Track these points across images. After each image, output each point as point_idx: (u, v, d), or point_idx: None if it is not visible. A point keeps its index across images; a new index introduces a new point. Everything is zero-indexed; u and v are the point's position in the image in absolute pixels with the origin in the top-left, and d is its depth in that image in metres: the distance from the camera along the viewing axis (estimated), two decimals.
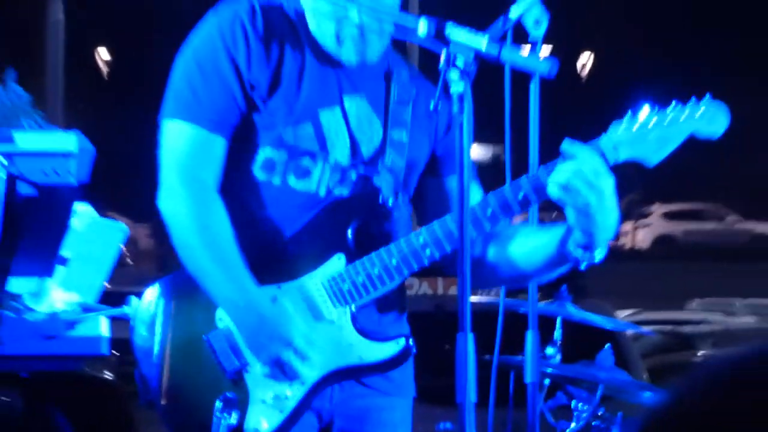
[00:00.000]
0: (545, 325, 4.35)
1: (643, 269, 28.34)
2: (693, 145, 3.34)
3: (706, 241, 35.77)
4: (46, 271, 3.31)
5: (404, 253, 3.35)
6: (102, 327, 3.37)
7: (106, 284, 3.54)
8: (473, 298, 2.95)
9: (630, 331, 7.88)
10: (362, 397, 3.48)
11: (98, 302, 3.42)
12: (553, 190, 3.18)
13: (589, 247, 3.23)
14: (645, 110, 3.28)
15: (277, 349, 3.31)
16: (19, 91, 6.54)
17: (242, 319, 3.35)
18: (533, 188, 3.26)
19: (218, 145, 3.36)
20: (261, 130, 3.38)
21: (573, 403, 4.89)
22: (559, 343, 4.80)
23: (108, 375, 7.88)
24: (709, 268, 28.38)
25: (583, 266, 3.29)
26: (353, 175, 3.45)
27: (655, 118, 3.28)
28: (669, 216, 37.50)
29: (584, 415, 4.82)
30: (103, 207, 3.61)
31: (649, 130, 3.28)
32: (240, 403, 3.34)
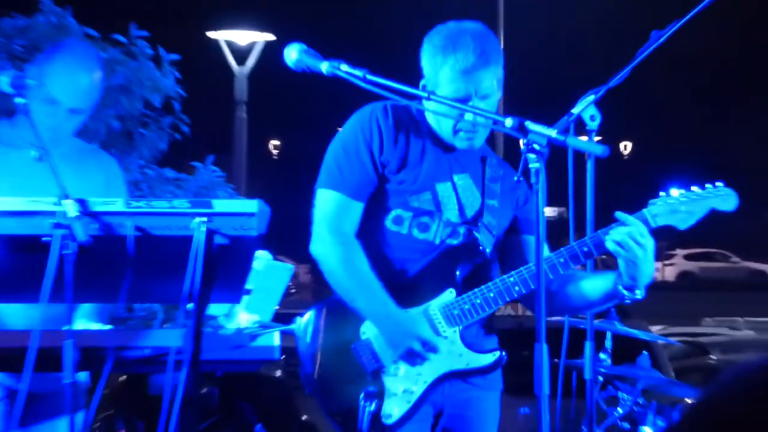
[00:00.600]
0: (599, 337, 4.50)
1: (670, 296, 28.28)
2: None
3: (716, 275, 38.12)
4: (235, 299, 3.31)
5: (500, 288, 3.41)
6: (275, 339, 3.32)
7: (278, 308, 3.59)
8: (548, 318, 2.95)
9: (661, 341, 7.77)
10: (466, 391, 3.49)
11: (272, 321, 3.45)
12: (611, 245, 3.28)
13: (632, 288, 3.34)
14: (675, 191, 3.40)
15: (410, 342, 3.35)
16: (217, 170, 6.63)
17: (383, 325, 3.39)
18: (594, 244, 3.35)
19: (356, 207, 3.44)
20: (392, 196, 3.45)
21: (619, 394, 4.86)
22: (609, 350, 4.79)
23: (278, 373, 7.92)
24: (718, 295, 29.56)
25: (627, 302, 3.39)
26: (461, 230, 3.49)
27: (683, 197, 3.40)
28: (688, 257, 40.28)
29: (628, 403, 4.79)
30: (275, 252, 3.64)
31: (680, 205, 3.39)
32: (378, 395, 3.38)
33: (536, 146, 2.95)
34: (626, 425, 4.85)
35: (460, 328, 3.44)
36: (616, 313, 4.86)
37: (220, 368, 3.52)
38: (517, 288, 3.39)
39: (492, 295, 3.41)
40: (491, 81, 3.42)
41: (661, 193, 3.39)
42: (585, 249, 3.36)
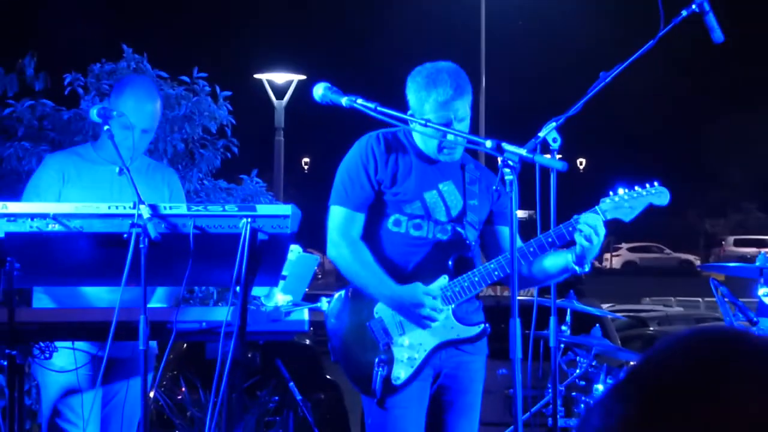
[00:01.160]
0: (561, 313, 4.49)
1: (617, 280, 28.77)
2: (647, 209, 3.44)
3: (653, 264, 38.34)
4: (274, 283, 3.30)
5: (483, 274, 3.39)
6: (305, 314, 3.32)
7: (307, 290, 3.55)
8: (519, 297, 2.99)
9: (609, 316, 7.73)
10: (458, 356, 3.45)
11: (302, 300, 3.41)
12: (578, 234, 3.26)
13: (582, 264, 3.33)
14: (620, 190, 3.37)
15: (417, 308, 3.33)
16: (259, 182, 6.68)
17: (393, 302, 3.36)
18: (557, 236, 3.32)
19: (359, 217, 3.42)
20: (390, 205, 3.43)
21: (577, 359, 4.84)
22: (569, 323, 4.76)
23: (307, 342, 7.87)
24: (655, 280, 29.83)
25: (578, 273, 3.38)
26: (449, 227, 3.45)
27: (626, 195, 3.37)
28: (631, 249, 40.47)
29: (584, 366, 4.77)
30: (305, 245, 3.61)
31: (624, 202, 3.36)
32: (388, 362, 3.36)
33: (510, 162, 2.97)
34: (582, 383, 4.84)
35: (453, 306, 3.39)
36: (574, 294, 4.84)
37: (261, 338, 3.51)
38: (496, 273, 3.37)
39: (477, 279, 3.38)
40: (465, 107, 3.40)
41: (611, 192, 3.36)
42: (550, 240, 3.33)
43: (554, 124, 3.24)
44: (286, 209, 3.08)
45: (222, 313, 3.12)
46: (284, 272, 3.28)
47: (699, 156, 46.21)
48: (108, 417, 3.70)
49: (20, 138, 6.03)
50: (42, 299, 3.67)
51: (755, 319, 4.36)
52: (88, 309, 3.45)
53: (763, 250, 4.82)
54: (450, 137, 3.37)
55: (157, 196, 3.65)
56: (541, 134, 3.21)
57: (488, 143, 3.03)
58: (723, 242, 39.46)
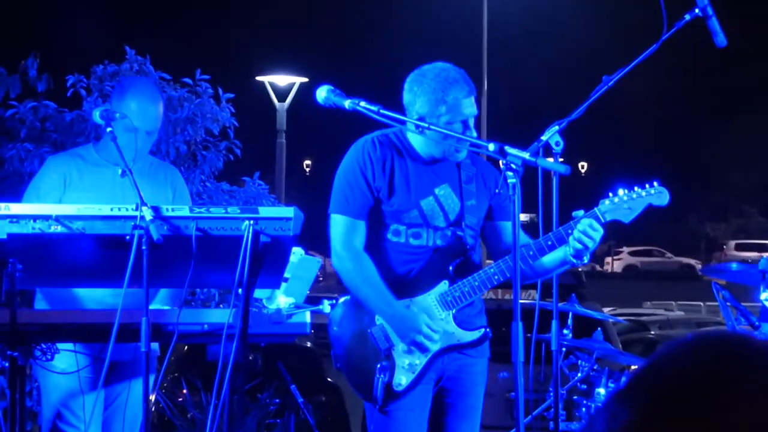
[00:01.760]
0: (563, 317, 4.48)
1: (618, 284, 28.73)
2: (647, 213, 3.41)
3: (654, 268, 38.19)
4: (276, 285, 3.29)
5: (483, 278, 3.35)
6: (306, 317, 3.30)
7: (309, 293, 3.49)
8: (521, 301, 2.97)
9: (611, 320, 7.72)
10: (460, 359, 3.43)
11: (304, 303, 3.38)
12: (576, 234, 3.25)
13: (580, 258, 3.32)
14: (620, 191, 3.34)
15: (413, 334, 3.32)
16: (262, 184, 6.69)
17: (391, 320, 3.35)
18: (556, 239, 3.30)
19: (361, 225, 3.38)
20: (388, 215, 3.40)
21: (579, 362, 4.82)
22: (570, 327, 4.75)
23: (309, 344, 7.85)
24: (656, 284, 29.70)
25: (576, 265, 3.38)
26: (448, 233, 3.42)
27: (626, 196, 3.34)
28: (632, 253, 40.47)
29: (585, 369, 4.76)
30: (307, 248, 3.60)
31: (623, 203, 3.33)
32: (390, 368, 3.35)
33: (513, 166, 2.96)
34: (584, 387, 4.83)
35: (453, 311, 3.37)
36: (576, 298, 4.83)
37: (263, 340, 3.47)
38: (496, 277, 3.34)
39: (477, 283, 3.35)
40: (474, 104, 3.40)
41: (610, 194, 3.33)
42: (549, 243, 3.31)
43: (557, 127, 3.24)
44: (288, 212, 3.07)
45: (224, 316, 3.12)
46: (286, 274, 3.27)
47: (701, 160, 46.31)
48: (109, 419, 3.70)
49: (23, 139, 6.04)
50: (41, 305, 3.67)
51: (757, 323, 4.35)
52: (90, 311, 3.44)
53: (764, 254, 4.80)
54: (451, 142, 3.33)
55: (161, 196, 3.64)
56: (543, 138, 3.21)
57: (491, 146, 3.04)
58: (724, 246, 39.48)
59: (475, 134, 3.38)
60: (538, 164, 3.00)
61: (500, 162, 3.00)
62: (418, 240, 3.40)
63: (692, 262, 39.13)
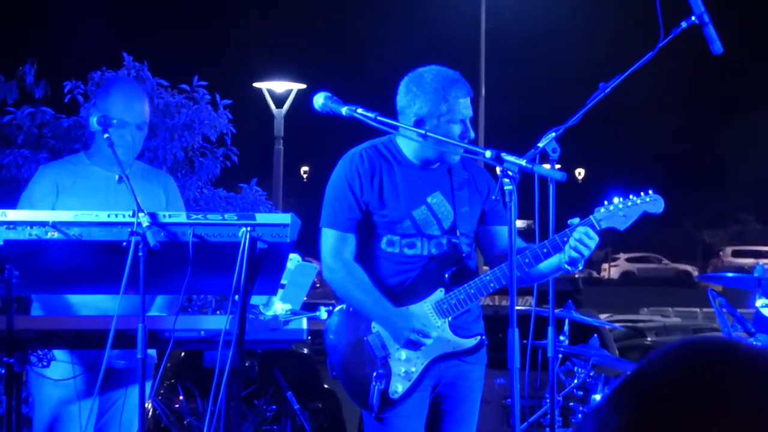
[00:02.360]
0: (559, 323, 4.48)
1: (614, 290, 28.76)
2: (644, 219, 3.43)
3: (651, 274, 38.27)
4: (273, 291, 3.28)
5: (479, 286, 3.37)
6: (303, 323, 3.30)
7: (305, 299, 3.49)
8: (517, 307, 2.99)
9: (607, 327, 7.71)
10: (457, 366, 3.44)
11: (301, 309, 3.38)
12: (572, 242, 3.27)
13: (575, 265, 3.33)
14: (615, 199, 3.36)
15: (408, 333, 3.32)
16: (259, 191, 6.69)
17: (386, 324, 3.36)
18: (552, 246, 3.32)
19: (350, 238, 3.40)
20: (380, 226, 3.42)
21: (575, 368, 4.82)
22: (567, 333, 4.74)
23: (305, 350, 7.88)
24: (653, 290, 29.85)
25: (570, 272, 3.39)
26: (443, 241, 3.43)
27: (621, 204, 3.36)
28: (629, 260, 40.53)
29: (582, 376, 4.76)
30: (304, 254, 3.60)
31: (619, 210, 3.35)
32: (386, 376, 3.36)
33: (510, 172, 2.97)
34: (580, 393, 4.82)
35: (449, 319, 3.38)
36: (572, 304, 4.83)
37: (259, 346, 3.46)
38: (492, 285, 3.35)
39: (473, 291, 3.36)
40: (470, 105, 3.42)
41: (605, 202, 3.35)
42: (544, 250, 3.32)
43: (554, 134, 3.23)
44: (285, 218, 3.08)
45: (220, 322, 3.12)
46: (283, 281, 3.27)
47: (698, 167, 46.43)
48: (105, 426, 3.69)
49: (20, 146, 6.05)
50: (38, 312, 3.66)
51: (753, 330, 4.36)
52: (87, 317, 3.44)
53: (761, 261, 4.82)
54: (452, 149, 3.35)
55: (154, 202, 3.64)
56: (540, 144, 3.22)
57: (488, 153, 3.05)
58: (721, 253, 39.51)
59: (473, 134, 3.40)
60: (535, 171, 3.01)
61: (497, 169, 3.01)
62: (413, 249, 3.41)
63: (689, 268, 39.20)
